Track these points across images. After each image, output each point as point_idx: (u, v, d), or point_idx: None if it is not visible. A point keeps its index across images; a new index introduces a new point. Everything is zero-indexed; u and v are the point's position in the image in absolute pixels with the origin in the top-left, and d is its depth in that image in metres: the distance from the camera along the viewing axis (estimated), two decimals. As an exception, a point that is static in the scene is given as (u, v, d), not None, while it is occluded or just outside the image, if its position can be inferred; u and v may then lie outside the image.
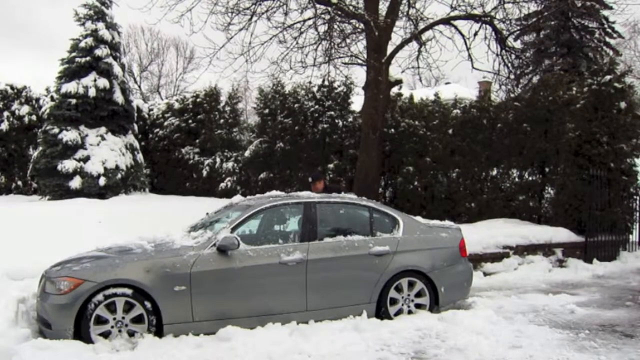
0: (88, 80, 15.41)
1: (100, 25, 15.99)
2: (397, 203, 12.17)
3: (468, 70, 21.97)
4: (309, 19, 11.21)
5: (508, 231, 9.61)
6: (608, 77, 10.47)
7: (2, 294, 5.26)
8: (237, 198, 6.56)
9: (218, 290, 5.12)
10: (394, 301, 5.79)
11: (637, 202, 10.92)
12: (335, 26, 11.29)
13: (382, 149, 12.10)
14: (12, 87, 19.15)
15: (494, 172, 11.75)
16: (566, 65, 20.22)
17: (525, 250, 9.37)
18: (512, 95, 12.42)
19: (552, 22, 20.39)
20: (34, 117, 18.81)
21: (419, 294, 5.91)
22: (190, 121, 17.10)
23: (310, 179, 8.08)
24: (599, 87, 10.44)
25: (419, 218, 7.20)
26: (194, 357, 4.50)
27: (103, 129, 15.64)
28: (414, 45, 12.03)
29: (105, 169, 14.99)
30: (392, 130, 12.66)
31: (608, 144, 10.24)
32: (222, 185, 15.51)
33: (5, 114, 18.64)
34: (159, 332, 4.91)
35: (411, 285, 5.88)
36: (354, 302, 5.61)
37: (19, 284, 5.80)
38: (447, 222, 7.39)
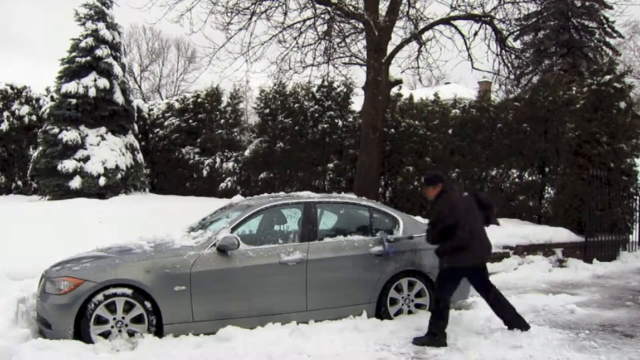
0: (88, 80, 15.40)
1: (101, 25, 15.98)
2: (397, 203, 12.16)
3: (468, 70, 22.01)
4: (309, 18, 11.21)
5: (508, 231, 9.60)
6: (608, 77, 10.48)
7: (2, 294, 5.27)
8: (237, 198, 6.56)
9: (218, 290, 5.12)
10: (394, 301, 5.79)
11: (637, 202, 10.92)
12: (335, 26, 11.28)
13: (382, 149, 12.10)
14: (12, 87, 19.13)
15: (494, 172, 11.74)
16: (566, 65, 20.23)
17: (525, 250, 9.36)
18: (511, 95, 12.42)
19: (552, 22, 20.40)
20: (34, 117, 18.78)
21: (419, 294, 5.91)
22: (190, 121, 17.08)
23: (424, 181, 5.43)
24: (599, 87, 10.44)
25: (419, 218, 7.21)
26: (194, 357, 4.50)
27: (103, 129, 15.63)
28: (414, 45, 12.04)
29: (105, 169, 14.98)
30: (392, 130, 12.66)
31: (608, 144, 10.24)
32: (222, 185, 15.50)
33: (5, 114, 18.61)
34: (159, 332, 4.91)
35: (411, 285, 5.89)
36: (354, 302, 5.61)
37: (19, 284, 5.81)
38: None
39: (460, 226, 4.96)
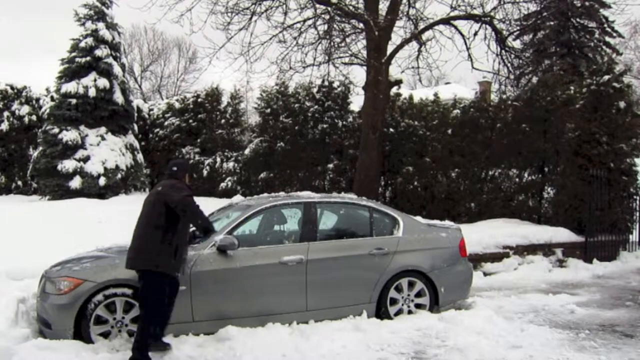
0: (88, 80, 15.42)
1: (101, 25, 16.01)
2: (397, 203, 12.16)
3: (468, 70, 21.97)
4: (309, 18, 11.21)
5: (508, 231, 9.61)
6: (607, 77, 10.48)
7: (2, 294, 5.25)
8: (237, 198, 6.56)
9: (218, 290, 5.11)
10: (394, 301, 5.79)
11: (637, 202, 10.92)
12: (335, 26, 11.29)
13: (382, 149, 12.10)
14: (12, 87, 19.17)
15: (494, 172, 11.75)
16: (566, 65, 20.26)
17: (525, 250, 9.36)
18: (511, 95, 12.42)
19: (552, 23, 20.42)
20: (34, 117, 18.82)
21: (419, 294, 5.91)
22: (190, 121, 17.10)
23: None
24: (598, 87, 10.44)
25: (419, 218, 7.20)
26: (194, 357, 4.50)
27: (103, 129, 15.65)
28: (414, 45, 12.04)
29: (105, 169, 15.00)
30: (392, 130, 12.66)
31: (608, 144, 10.24)
32: (223, 185, 15.50)
33: (5, 114, 18.66)
34: (159, 332, 4.90)
35: (411, 285, 5.88)
36: (354, 302, 5.61)
37: (19, 284, 5.80)
38: (447, 222, 7.40)
39: None
